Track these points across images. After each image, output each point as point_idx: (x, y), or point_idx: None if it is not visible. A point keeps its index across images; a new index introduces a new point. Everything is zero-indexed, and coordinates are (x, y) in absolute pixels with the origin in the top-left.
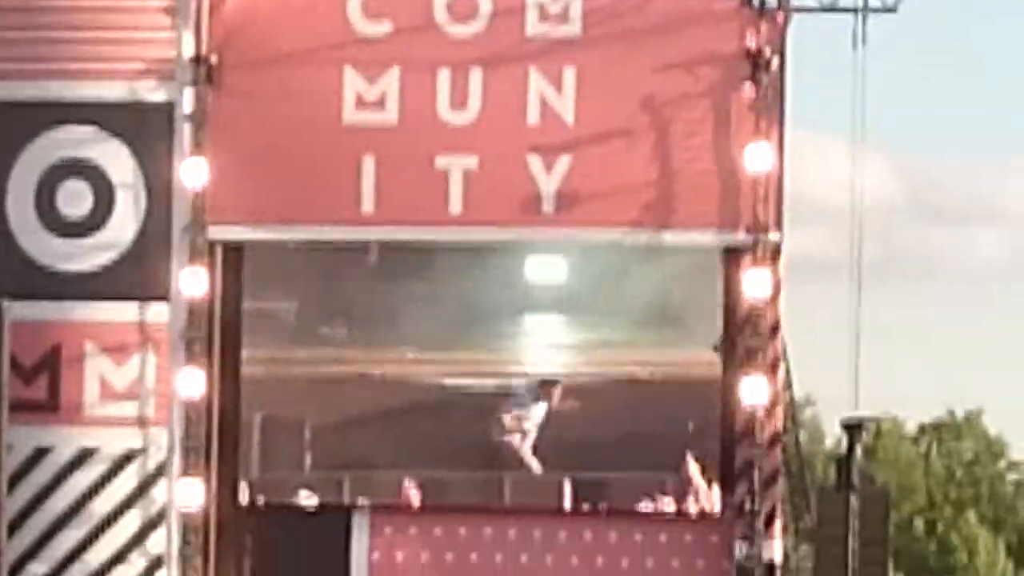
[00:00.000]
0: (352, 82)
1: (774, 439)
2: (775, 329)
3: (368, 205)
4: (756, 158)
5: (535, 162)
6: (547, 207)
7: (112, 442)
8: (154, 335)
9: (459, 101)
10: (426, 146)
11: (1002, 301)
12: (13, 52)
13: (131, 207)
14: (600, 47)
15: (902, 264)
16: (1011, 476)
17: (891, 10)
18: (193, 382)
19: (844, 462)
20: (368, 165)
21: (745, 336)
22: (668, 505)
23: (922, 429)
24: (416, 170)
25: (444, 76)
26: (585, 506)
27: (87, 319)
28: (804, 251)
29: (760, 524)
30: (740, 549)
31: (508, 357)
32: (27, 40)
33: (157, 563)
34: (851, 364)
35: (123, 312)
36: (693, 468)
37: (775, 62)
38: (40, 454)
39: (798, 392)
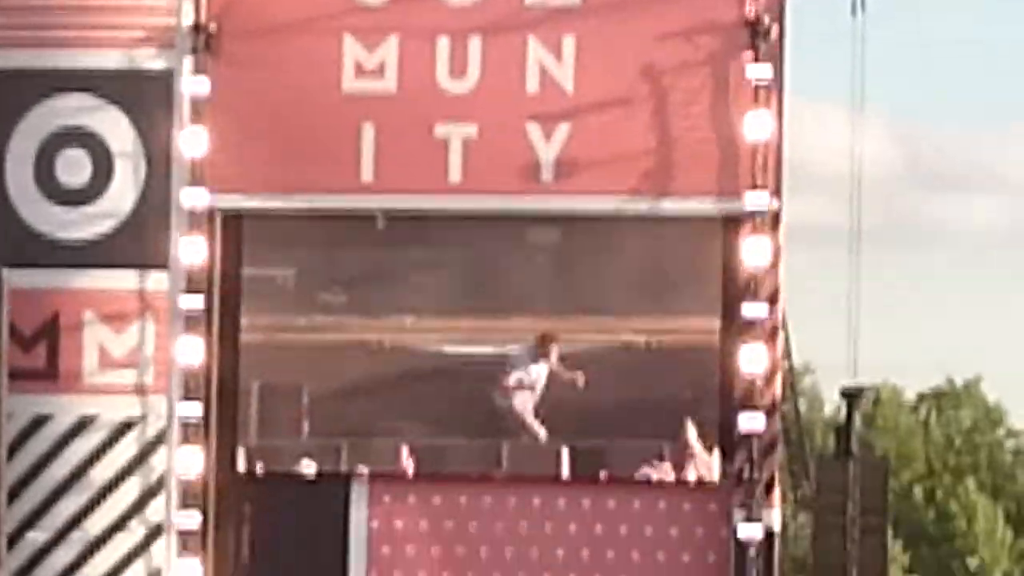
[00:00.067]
0: (351, 50)
1: (772, 407)
2: (774, 297)
3: (367, 174)
4: (755, 126)
5: (534, 130)
6: (546, 175)
7: (111, 410)
8: (153, 303)
9: (458, 69)
10: (425, 115)
11: (1001, 268)
12: (12, 20)
13: (130, 176)
14: (599, 15)
15: (902, 231)
16: (1010, 444)
17: None
18: (192, 350)
19: (843, 430)
20: (367, 134)
21: (744, 303)
22: (667, 473)
23: (921, 397)
24: (415, 138)
25: (443, 44)
26: (584, 474)
27: (86, 287)
28: (803, 219)
29: (759, 492)
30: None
31: (507, 324)
32: (26, 8)
33: (156, 531)
34: (850, 332)
35: (122, 280)
36: (692, 435)
37: (774, 30)
38: (39, 422)
39: (797, 360)
